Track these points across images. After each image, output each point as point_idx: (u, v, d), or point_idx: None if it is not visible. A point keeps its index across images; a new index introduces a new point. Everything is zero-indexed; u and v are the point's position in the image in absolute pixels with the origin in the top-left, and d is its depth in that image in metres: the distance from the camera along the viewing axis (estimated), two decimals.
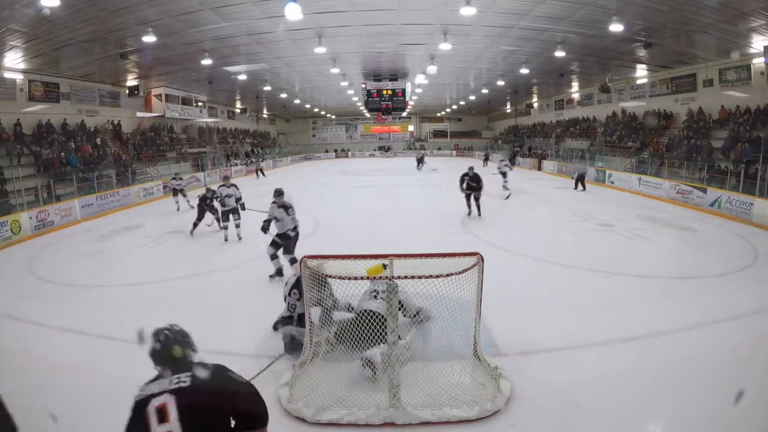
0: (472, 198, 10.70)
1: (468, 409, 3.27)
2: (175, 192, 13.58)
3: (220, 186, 8.91)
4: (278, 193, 6.34)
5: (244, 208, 8.70)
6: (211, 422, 1.65)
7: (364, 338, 3.62)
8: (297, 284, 4.25)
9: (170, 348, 1.79)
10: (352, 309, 4.29)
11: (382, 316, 3.68)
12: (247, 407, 1.70)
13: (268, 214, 6.26)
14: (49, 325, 4.96)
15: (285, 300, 4.35)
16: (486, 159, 29.43)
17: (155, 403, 1.65)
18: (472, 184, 10.56)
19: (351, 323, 3.76)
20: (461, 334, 3.80)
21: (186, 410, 1.63)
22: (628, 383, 3.66)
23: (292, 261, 6.22)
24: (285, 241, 6.30)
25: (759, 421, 3.16)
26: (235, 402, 1.69)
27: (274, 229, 6.27)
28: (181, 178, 14.17)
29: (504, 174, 15.02)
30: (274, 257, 6.36)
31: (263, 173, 24.42)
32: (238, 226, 8.77)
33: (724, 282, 6.17)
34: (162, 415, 1.63)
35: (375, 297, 4.16)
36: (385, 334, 3.58)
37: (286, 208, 6.28)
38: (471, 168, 10.65)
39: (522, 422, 3.22)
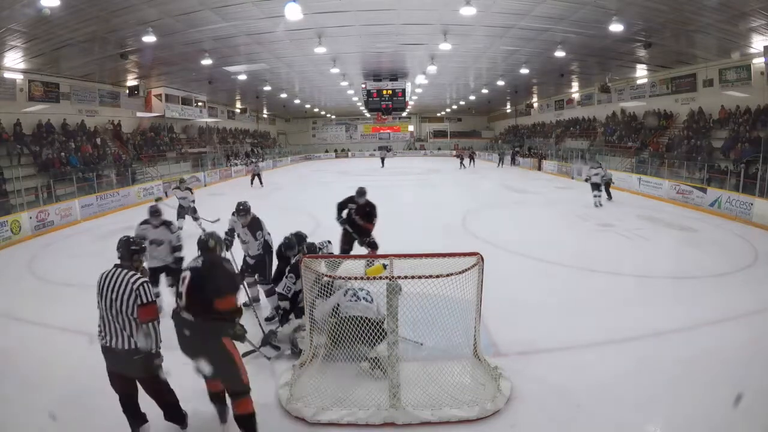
0: (354, 241, 6.30)
1: (468, 409, 3.27)
2: (181, 211, 9.36)
3: (140, 224, 5.19)
4: (241, 210, 4.99)
5: (179, 264, 4.76)
6: (200, 292, 2.86)
7: (359, 343, 3.62)
8: (294, 269, 4.30)
9: (207, 240, 3.06)
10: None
11: (369, 320, 3.68)
12: (217, 290, 2.85)
13: (229, 225, 5.04)
14: (49, 325, 4.95)
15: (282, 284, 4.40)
16: (501, 159, 28.10)
17: (184, 273, 2.98)
18: (356, 220, 6.22)
19: (339, 331, 3.67)
20: (461, 334, 3.80)
21: (191, 282, 2.89)
22: (628, 383, 3.66)
23: (269, 293, 5.00)
24: (249, 268, 5.07)
25: (759, 421, 3.16)
26: (214, 284, 2.87)
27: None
28: (188, 189, 9.58)
29: (597, 186, 11.98)
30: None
31: (261, 181, 18.77)
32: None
33: (724, 282, 6.17)
34: (183, 282, 2.93)
35: (357, 298, 3.98)
36: (375, 337, 3.62)
37: (254, 229, 5.01)
38: (362, 191, 6.21)
39: (522, 422, 3.22)
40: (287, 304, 4.34)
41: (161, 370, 2.95)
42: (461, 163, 26.79)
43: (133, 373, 2.91)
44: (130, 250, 2.98)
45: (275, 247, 5.04)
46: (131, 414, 3.02)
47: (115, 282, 2.84)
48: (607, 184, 12.81)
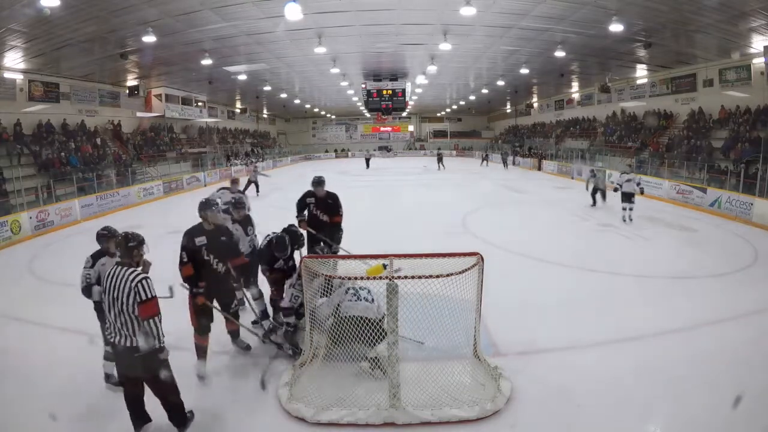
0: (319, 242, 5.28)
1: (468, 409, 3.27)
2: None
3: (97, 258, 3.70)
4: (238, 204, 4.85)
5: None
6: None
7: (359, 342, 3.61)
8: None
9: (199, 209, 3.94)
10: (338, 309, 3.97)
11: (369, 320, 3.66)
12: None
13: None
14: (49, 325, 4.96)
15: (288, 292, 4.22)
16: (504, 161, 27.03)
17: None
18: (318, 215, 5.45)
19: (338, 330, 3.65)
20: (461, 334, 3.80)
21: None
22: (628, 383, 3.66)
23: (256, 296, 4.67)
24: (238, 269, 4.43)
25: (759, 421, 3.16)
26: None
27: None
28: (240, 191, 7.06)
29: (629, 197, 9.86)
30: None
31: (257, 187, 15.12)
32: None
33: (724, 282, 6.17)
34: None
35: (357, 298, 3.90)
36: (375, 336, 3.61)
37: (245, 224, 4.80)
38: (319, 180, 5.49)
39: (522, 422, 3.22)
40: (293, 319, 4.14)
41: (165, 367, 2.93)
42: (439, 162, 25.52)
43: (136, 371, 2.89)
44: (128, 247, 2.96)
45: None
46: (135, 413, 3.01)
47: (117, 280, 2.84)
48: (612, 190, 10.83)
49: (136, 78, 17.78)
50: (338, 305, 3.89)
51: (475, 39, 15.22)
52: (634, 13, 11.32)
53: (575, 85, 24.41)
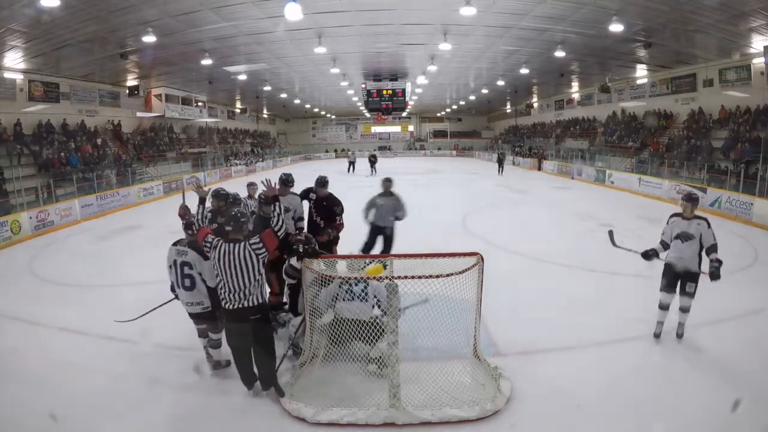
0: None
1: (468, 409, 3.27)
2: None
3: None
4: (221, 194, 4.79)
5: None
6: None
7: (358, 340, 3.61)
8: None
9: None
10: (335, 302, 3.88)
11: (363, 322, 3.62)
12: None
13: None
14: (49, 325, 4.96)
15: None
16: (500, 163, 23.17)
17: None
18: (313, 216, 5.14)
19: (336, 330, 3.64)
20: (461, 334, 3.80)
21: None
22: (628, 383, 3.66)
23: None
24: None
25: (759, 421, 3.16)
26: None
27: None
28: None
29: (684, 280, 4.37)
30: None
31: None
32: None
33: (724, 282, 6.13)
34: None
35: (351, 294, 3.80)
36: (373, 336, 3.58)
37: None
38: (322, 180, 5.18)
39: (522, 422, 3.22)
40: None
41: (270, 326, 3.43)
42: (371, 166, 23.42)
43: (246, 330, 3.32)
44: (240, 222, 3.34)
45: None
46: (245, 373, 3.48)
47: (234, 254, 3.21)
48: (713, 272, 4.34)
49: (136, 78, 17.77)
50: (334, 300, 3.85)
51: (475, 39, 15.22)
52: (634, 13, 11.32)
53: (575, 85, 24.40)
